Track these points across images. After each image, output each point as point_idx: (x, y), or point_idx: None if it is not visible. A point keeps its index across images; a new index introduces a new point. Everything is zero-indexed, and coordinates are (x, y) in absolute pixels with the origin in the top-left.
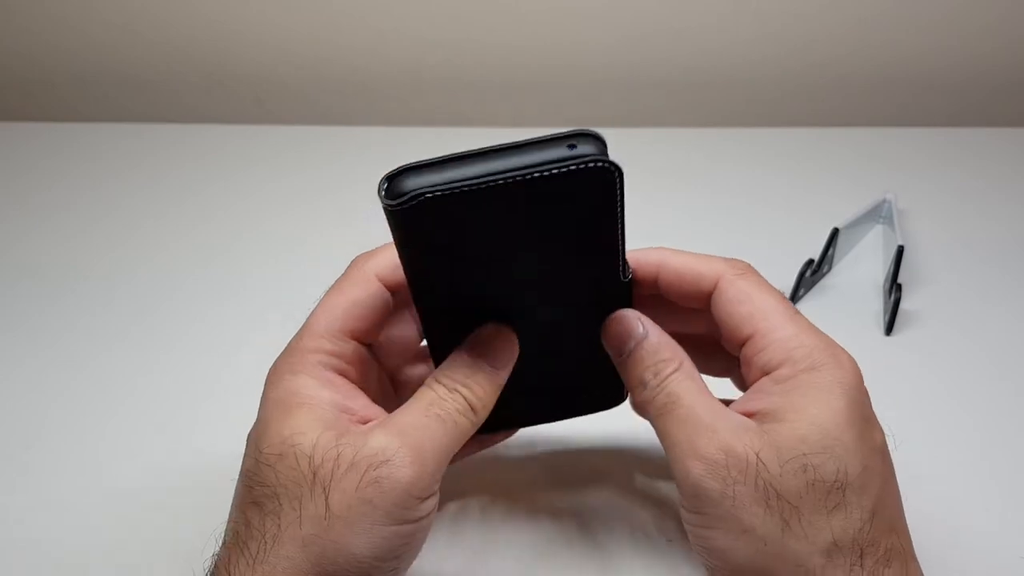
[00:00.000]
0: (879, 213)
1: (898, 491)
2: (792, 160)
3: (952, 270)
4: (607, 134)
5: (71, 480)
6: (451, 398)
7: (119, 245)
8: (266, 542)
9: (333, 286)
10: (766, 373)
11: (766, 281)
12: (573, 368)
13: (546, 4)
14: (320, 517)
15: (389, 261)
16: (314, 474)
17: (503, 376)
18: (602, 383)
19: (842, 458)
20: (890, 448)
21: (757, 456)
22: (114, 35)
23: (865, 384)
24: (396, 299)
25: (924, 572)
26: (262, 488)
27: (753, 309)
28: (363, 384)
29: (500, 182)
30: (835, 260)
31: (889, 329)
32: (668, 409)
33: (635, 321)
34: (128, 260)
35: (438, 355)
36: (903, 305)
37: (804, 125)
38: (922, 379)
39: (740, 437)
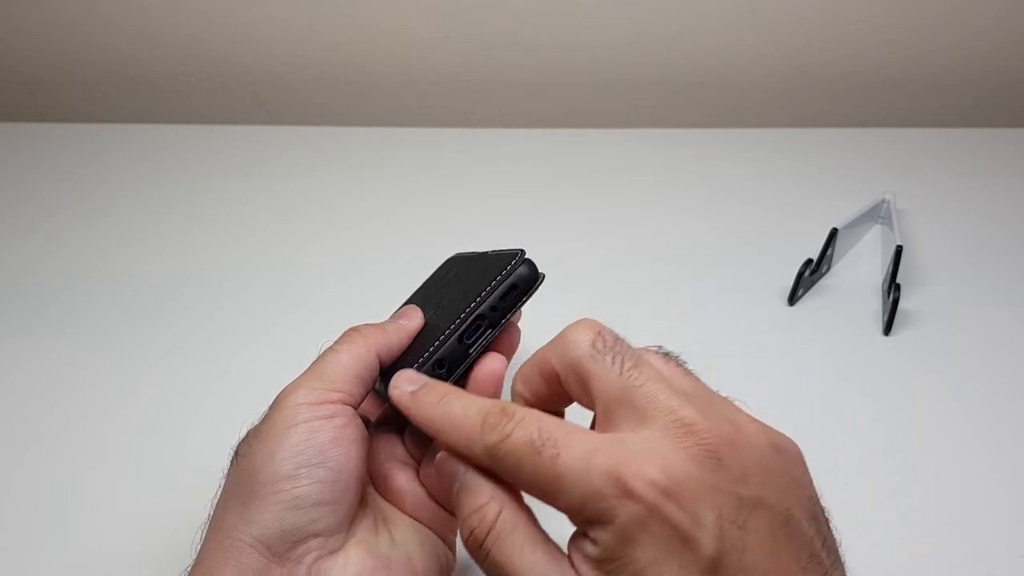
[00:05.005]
0: (878, 213)
1: None
2: (792, 160)
3: (951, 270)
4: (607, 134)
5: (71, 480)
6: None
7: (119, 245)
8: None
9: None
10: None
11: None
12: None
13: (546, 5)
14: (241, 460)
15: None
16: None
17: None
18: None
19: None
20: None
21: None
22: (114, 35)
23: (677, 478)
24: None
25: (923, 571)
26: None
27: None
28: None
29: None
30: (834, 260)
31: (888, 329)
32: None
33: (457, 462)
34: (128, 260)
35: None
36: (902, 305)
37: (804, 125)
38: (921, 379)
39: None
